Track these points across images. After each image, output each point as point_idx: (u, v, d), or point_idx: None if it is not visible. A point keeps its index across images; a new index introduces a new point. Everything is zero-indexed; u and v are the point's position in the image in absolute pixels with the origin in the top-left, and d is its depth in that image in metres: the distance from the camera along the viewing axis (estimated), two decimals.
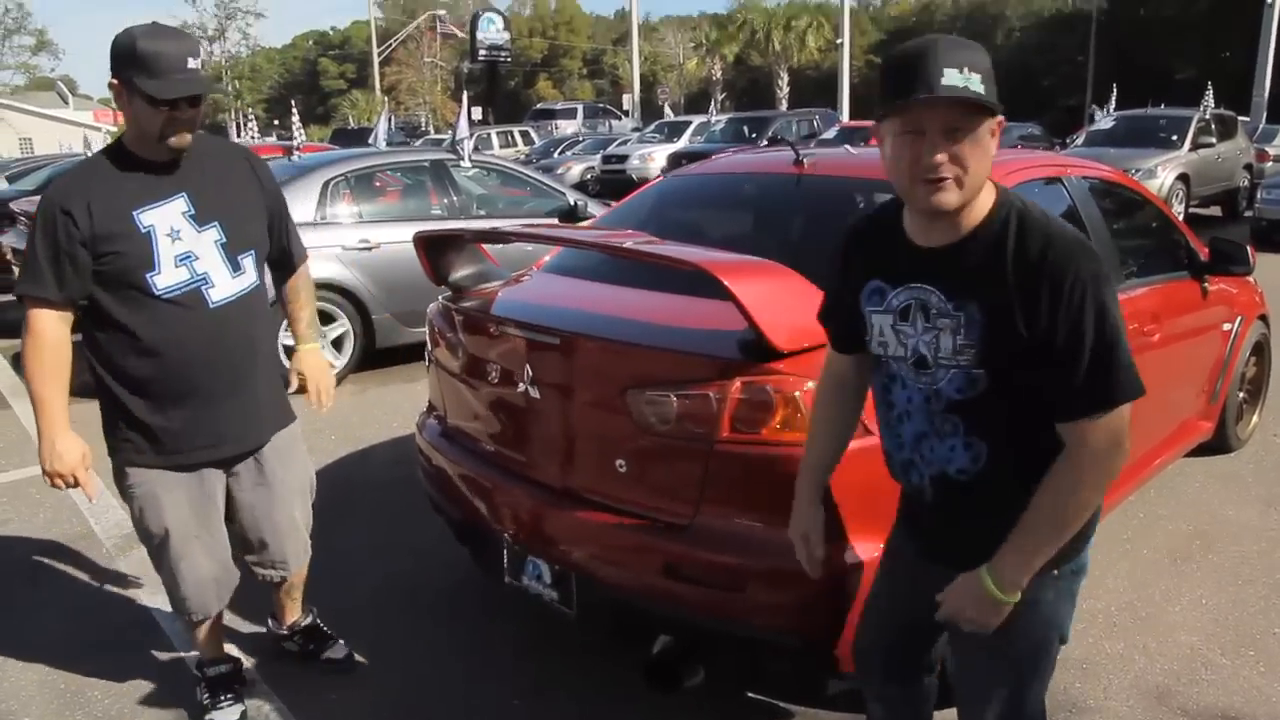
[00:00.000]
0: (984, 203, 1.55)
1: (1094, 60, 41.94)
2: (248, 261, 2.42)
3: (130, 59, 2.16)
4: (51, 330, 2.25)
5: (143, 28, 2.21)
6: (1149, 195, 4.17)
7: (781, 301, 2.23)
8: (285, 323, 2.84)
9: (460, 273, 3.14)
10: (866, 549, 2.18)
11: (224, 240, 2.36)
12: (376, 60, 51.14)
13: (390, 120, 9.34)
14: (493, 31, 33.61)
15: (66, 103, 54.10)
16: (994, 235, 1.53)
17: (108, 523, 4.06)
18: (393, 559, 3.67)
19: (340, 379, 6.08)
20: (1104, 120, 15.72)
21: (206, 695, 2.67)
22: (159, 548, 2.47)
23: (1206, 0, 39.75)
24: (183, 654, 3.01)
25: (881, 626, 1.97)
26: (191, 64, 2.20)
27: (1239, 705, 2.70)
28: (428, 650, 3.04)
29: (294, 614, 2.93)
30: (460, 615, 3.25)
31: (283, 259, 2.66)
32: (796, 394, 2.17)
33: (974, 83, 1.44)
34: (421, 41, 52.92)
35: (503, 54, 34.76)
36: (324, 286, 6.00)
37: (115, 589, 3.50)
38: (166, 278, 2.28)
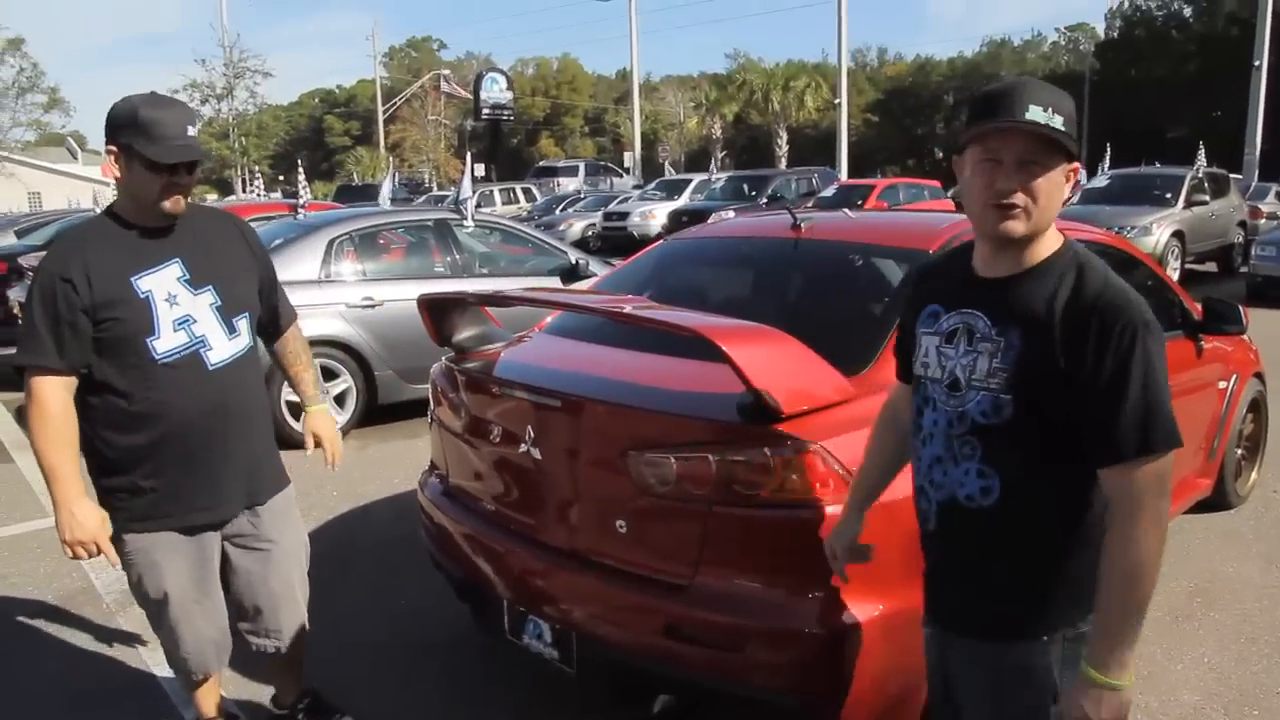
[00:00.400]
0: (1049, 244, 1.61)
1: (1087, 120, 42.66)
2: (242, 324, 2.45)
3: (130, 125, 2.22)
4: (56, 398, 2.24)
5: (142, 97, 2.27)
6: (1141, 256, 4.24)
7: (778, 365, 2.28)
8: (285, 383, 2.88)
9: (463, 334, 3.19)
10: (865, 609, 2.19)
11: (219, 303, 2.39)
12: (381, 118, 51.99)
13: (394, 178, 9.48)
14: (496, 91, 34.22)
15: (75, 158, 54.87)
16: (1054, 273, 1.59)
17: (108, 579, 4.05)
18: (393, 616, 3.66)
19: (343, 434, 6.11)
20: (1099, 178, 15.94)
21: None
22: (158, 611, 2.47)
23: (1196, 62, 40.60)
24: (182, 713, 3.00)
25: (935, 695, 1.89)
26: (190, 132, 2.28)
27: None
28: (427, 712, 3.03)
29: (293, 692, 2.87)
30: (460, 675, 3.25)
31: (272, 320, 2.68)
32: (794, 456, 2.21)
33: (1055, 122, 1.52)
34: (426, 100, 53.79)
35: (506, 113, 35.34)
36: (327, 343, 6.08)
37: (114, 646, 3.50)
38: (166, 342, 2.30)
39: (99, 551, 2.30)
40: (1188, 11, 44.43)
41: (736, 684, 2.28)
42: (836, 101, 30.96)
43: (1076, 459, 1.57)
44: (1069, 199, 14.09)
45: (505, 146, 47.62)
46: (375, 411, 6.44)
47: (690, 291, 3.50)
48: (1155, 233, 12.52)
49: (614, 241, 18.76)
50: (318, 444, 2.78)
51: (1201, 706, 2.96)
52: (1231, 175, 16.42)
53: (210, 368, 2.36)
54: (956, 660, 1.76)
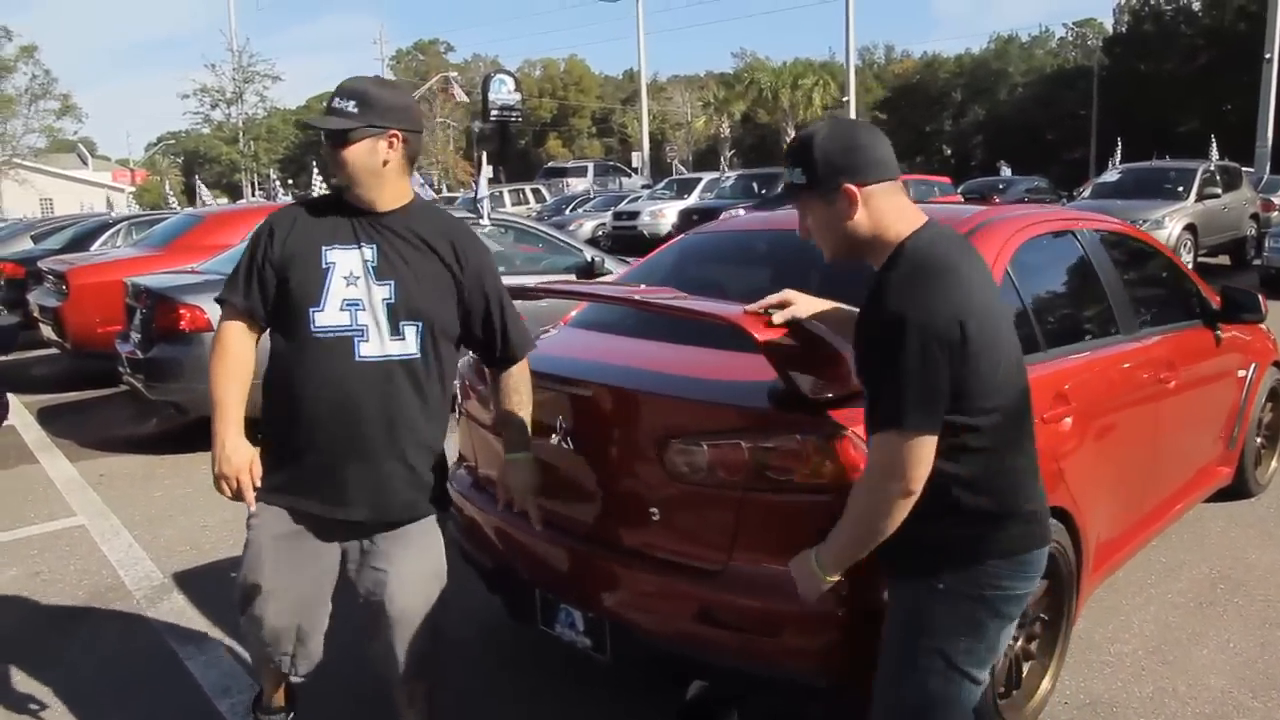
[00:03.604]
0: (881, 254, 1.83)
1: (1097, 114, 42.55)
2: (410, 331, 2.29)
3: None
4: (234, 337, 2.31)
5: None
6: (1159, 246, 4.26)
7: (808, 353, 2.30)
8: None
9: None
10: None
11: (392, 300, 2.28)
12: None
13: (421, 181, 9.47)
14: (504, 92, 34.20)
15: (86, 164, 55.18)
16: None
17: (136, 574, 4.11)
18: None
19: None
20: (1110, 173, 15.91)
21: None
22: (243, 594, 2.39)
23: (1206, 55, 40.45)
24: (217, 705, 3.04)
25: None
26: (339, 103, 2.21)
27: None
28: (458, 707, 3.06)
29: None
30: (488, 668, 3.28)
31: (492, 347, 2.45)
32: (825, 442, 2.23)
33: (796, 176, 1.84)
34: (434, 102, 53.92)
35: (514, 114, 35.31)
36: None
37: (146, 639, 3.54)
38: (328, 316, 2.25)
39: (239, 490, 2.23)
40: (1196, 6, 44.23)
41: (770, 668, 2.31)
42: (845, 99, 30.95)
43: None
44: (1080, 193, 14.07)
45: (513, 148, 47.64)
46: None
47: (712, 285, 3.52)
48: (1168, 226, 12.47)
49: (624, 241, 18.76)
50: (506, 496, 2.57)
51: (1230, 691, 2.98)
52: (1243, 168, 16.37)
53: (356, 359, 2.26)
54: None
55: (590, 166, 36.23)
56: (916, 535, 1.80)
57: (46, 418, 7.25)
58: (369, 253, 2.28)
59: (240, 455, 2.24)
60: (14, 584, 4.11)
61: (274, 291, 2.29)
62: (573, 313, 3.49)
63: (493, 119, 34.23)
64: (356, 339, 2.26)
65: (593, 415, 2.60)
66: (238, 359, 2.31)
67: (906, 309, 1.69)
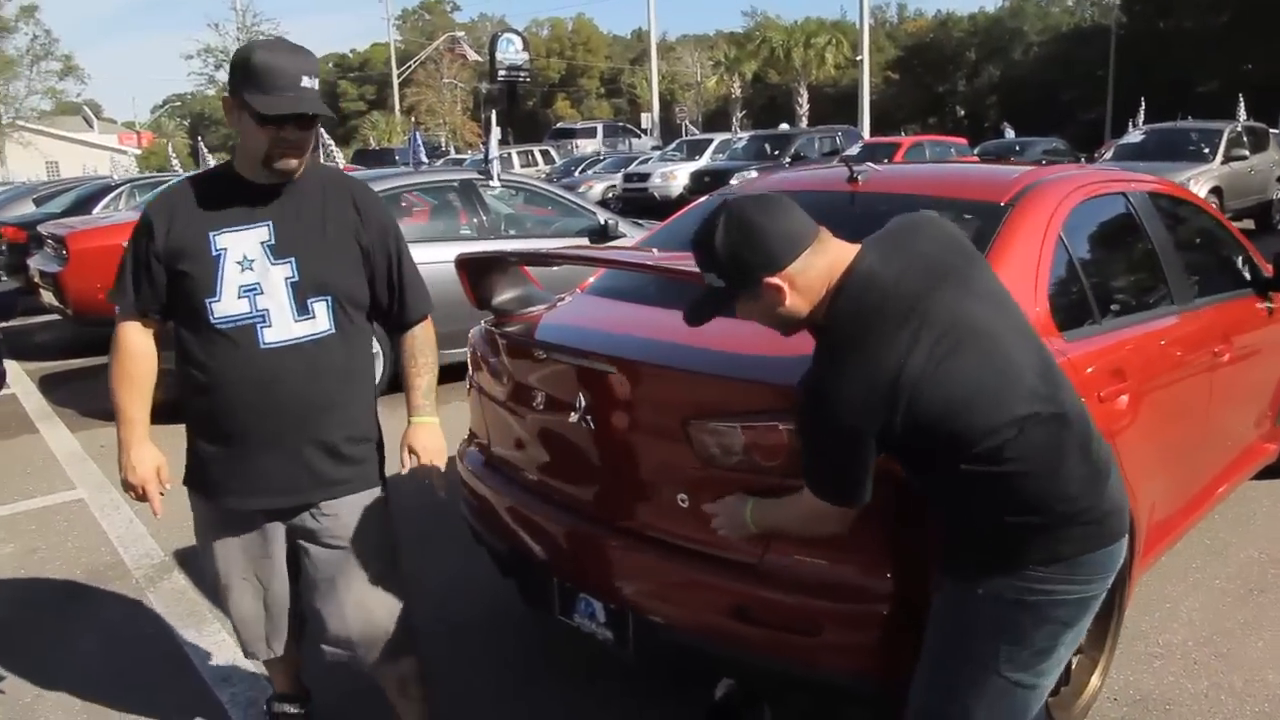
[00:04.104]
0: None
1: (1114, 74, 41.76)
2: (319, 307, 2.18)
3: (244, 72, 2.03)
4: (131, 339, 2.21)
5: (263, 41, 2.12)
6: (1210, 209, 4.02)
7: None
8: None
9: (503, 296, 3.02)
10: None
11: (295, 279, 2.15)
12: (396, 82, 51.51)
13: (416, 140, 9.22)
14: (511, 52, 33.68)
15: (92, 126, 54.82)
16: None
17: (137, 552, 3.96)
18: (426, 591, 3.53)
19: None
20: (1133, 134, 15.52)
21: None
22: (213, 580, 2.42)
23: (1227, 12, 39.55)
24: (215, 692, 2.89)
25: None
26: (306, 82, 2.05)
27: None
28: (469, 695, 2.91)
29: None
30: (502, 655, 3.12)
31: (393, 311, 2.34)
32: None
33: (712, 279, 1.77)
34: (441, 63, 53.25)
35: (521, 74, 34.81)
36: None
37: (144, 621, 3.40)
38: (225, 306, 2.13)
39: (144, 497, 2.25)
40: None
41: (807, 668, 2.14)
42: (859, 58, 30.39)
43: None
44: (1101, 154, 13.80)
45: (521, 109, 47.15)
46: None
47: None
48: (1192, 189, 12.15)
49: (635, 203, 18.47)
50: (413, 458, 2.38)
51: None
52: (1270, 129, 15.96)
53: (261, 346, 2.14)
54: None
55: (599, 127, 35.83)
56: (953, 542, 1.77)
57: (48, 385, 7.10)
58: (264, 232, 2.15)
59: (144, 465, 2.22)
60: (11, 561, 3.97)
61: (165, 285, 2.17)
62: (590, 279, 3.28)
63: (500, 79, 33.78)
64: (259, 325, 2.14)
65: (615, 392, 2.40)
66: (135, 359, 2.22)
67: (815, 384, 1.70)
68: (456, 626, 3.28)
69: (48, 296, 8.03)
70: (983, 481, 1.66)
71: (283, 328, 2.16)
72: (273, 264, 2.15)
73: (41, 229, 8.54)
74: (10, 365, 7.59)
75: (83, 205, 11.42)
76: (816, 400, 1.68)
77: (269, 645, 2.45)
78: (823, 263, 1.72)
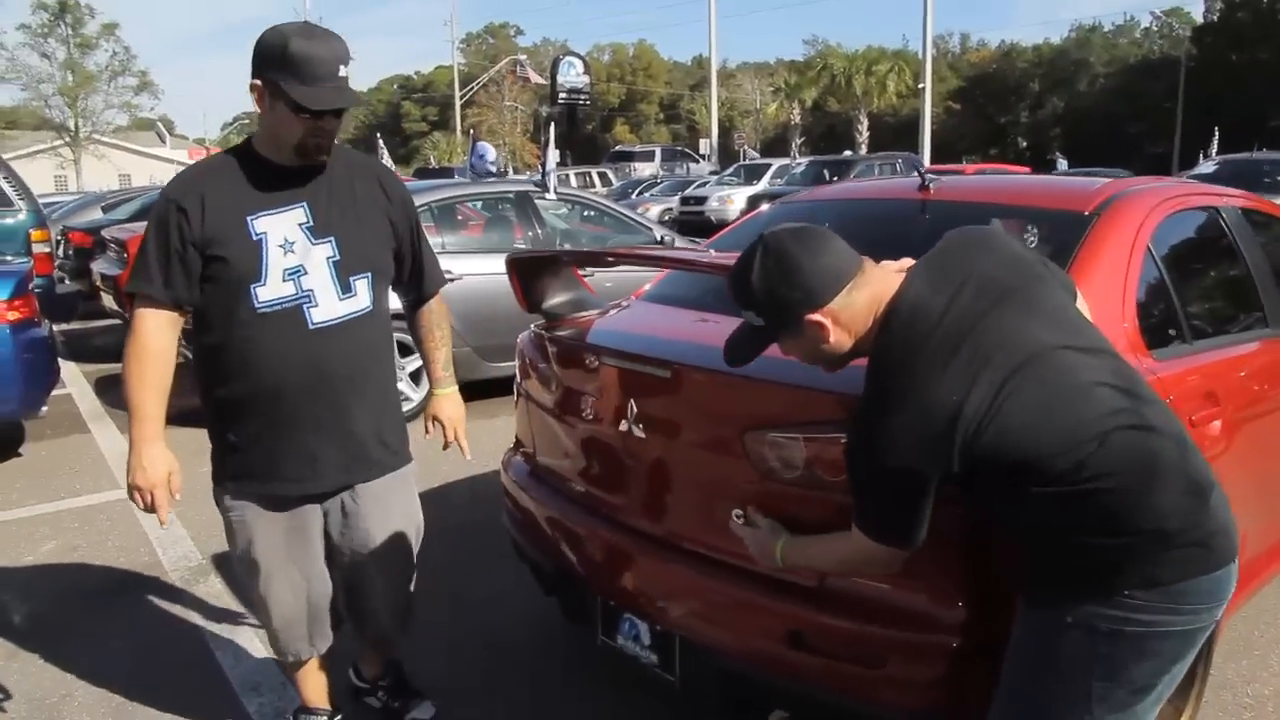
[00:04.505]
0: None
1: (1183, 107, 40.81)
2: (361, 284, 2.19)
3: (279, 60, 1.99)
4: (154, 332, 2.10)
5: (296, 26, 2.05)
6: None
7: None
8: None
9: (554, 299, 2.91)
10: None
11: (337, 258, 2.16)
12: (459, 103, 52.29)
13: (481, 148, 9.08)
14: (573, 75, 33.95)
15: (164, 141, 56.46)
16: None
17: (175, 554, 3.90)
18: (469, 609, 3.41)
19: (416, 414, 5.91)
20: (1206, 165, 15.06)
21: None
22: (249, 579, 2.32)
23: None
24: (243, 700, 2.79)
25: None
26: (342, 72, 2.04)
27: None
28: (511, 709, 2.78)
29: (378, 665, 2.68)
30: (544, 677, 2.98)
31: (414, 284, 2.41)
32: None
33: (751, 318, 1.69)
34: (502, 85, 54.00)
35: (582, 97, 35.05)
36: (402, 317, 5.87)
37: (177, 624, 3.32)
38: (270, 290, 2.10)
39: (152, 505, 2.12)
40: None
41: (869, 702, 1.97)
42: (920, 86, 30.07)
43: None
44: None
45: (581, 132, 47.46)
46: None
47: None
48: None
49: (691, 226, 18.36)
50: (437, 426, 2.54)
51: None
52: None
53: (310, 327, 2.13)
54: None
55: (658, 151, 35.87)
56: (1034, 567, 1.60)
57: (103, 387, 7.15)
58: (300, 213, 2.13)
59: (157, 467, 2.11)
60: (51, 557, 3.94)
61: (199, 274, 2.09)
62: (646, 286, 3.15)
63: (561, 101, 34.06)
64: (306, 306, 2.13)
65: (669, 399, 2.26)
66: (158, 358, 2.11)
67: (863, 421, 1.58)
68: (498, 644, 3.15)
69: (109, 300, 8.14)
70: (1062, 502, 1.49)
71: (328, 307, 2.15)
72: (314, 244, 2.14)
73: (105, 233, 8.67)
74: (68, 366, 7.70)
75: (148, 211, 11.60)
76: (866, 438, 1.57)
77: (311, 643, 2.37)
78: (866, 295, 1.62)
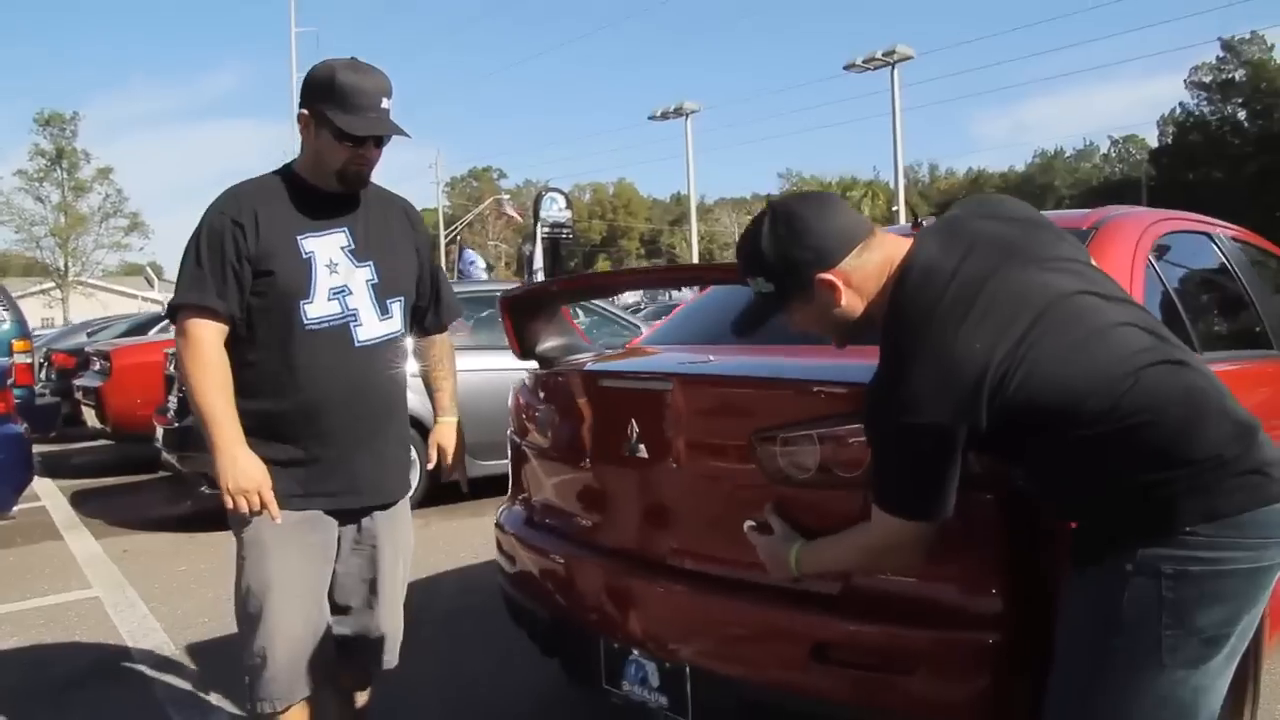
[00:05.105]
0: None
1: None
2: (396, 308, 2.26)
3: (328, 90, 2.09)
4: (214, 345, 2.09)
5: (343, 61, 2.14)
6: None
7: None
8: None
9: (548, 344, 2.84)
10: None
11: (376, 281, 2.22)
12: (444, 243, 53.40)
13: (472, 259, 9.19)
14: (555, 210, 34.62)
15: (153, 286, 57.09)
16: None
17: (147, 645, 3.68)
18: (464, 687, 3.19)
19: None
20: None
21: None
22: (254, 608, 2.15)
23: (1255, 163, 40.16)
24: None
25: None
26: (385, 104, 2.13)
27: None
28: None
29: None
30: None
31: (432, 312, 2.46)
32: None
33: (761, 285, 1.63)
34: (486, 224, 55.37)
35: (565, 231, 35.81)
36: None
37: (147, 710, 3.08)
38: (318, 308, 2.14)
39: (260, 505, 2.04)
40: (1241, 115, 44.28)
41: (903, 717, 1.80)
42: (894, 209, 30.99)
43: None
44: None
45: (564, 266, 48.44)
46: (439, 490, 6.06)
47: None
48: None
49: None
50: (439, 458, 2.53)
51: None
52: None
53: (356, 344, 2.18)
54: None
55: None
56: (1085, 519, 1.52)
57: (80, 499, 6.94)
58: (342, 237, 2.20)
59: (257, 466, 2.07)
60: (13, 652, 3.69)
61: (249, 289, 2.11)
62: (640, 338, 3.09)
63: (544, 235, 34.83)
64: (352, 324, 2.19)
65: (671, 413, 2.16)
66: (221, 368, 2.10)
67: (884, 384, 1.51)
68: (500, 716, 2.94)
69: (90, 415, 8.00)
70: (1109, 444, 1.41)
71: (371, 327, 2.21)
72: (356, 266, 2.20)
73: (88, 349, 8.60)
74: (44, 482, 7.50)
75: (135, 331, 11.57)
76: (887, 399, 1.49)
77: (310, 680, 2.20)
78: (878, 257, 1.59)
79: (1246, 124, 43.89)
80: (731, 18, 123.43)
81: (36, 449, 5.95)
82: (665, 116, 33.81)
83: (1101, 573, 1.45)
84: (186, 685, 3.28)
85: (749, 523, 1.95)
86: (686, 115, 33.16)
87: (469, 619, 3.77)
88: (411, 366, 2.44)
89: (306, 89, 2.14)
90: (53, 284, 40.79)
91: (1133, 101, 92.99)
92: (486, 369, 6.16)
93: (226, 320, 2.11)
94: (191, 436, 5.54)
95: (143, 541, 5.44)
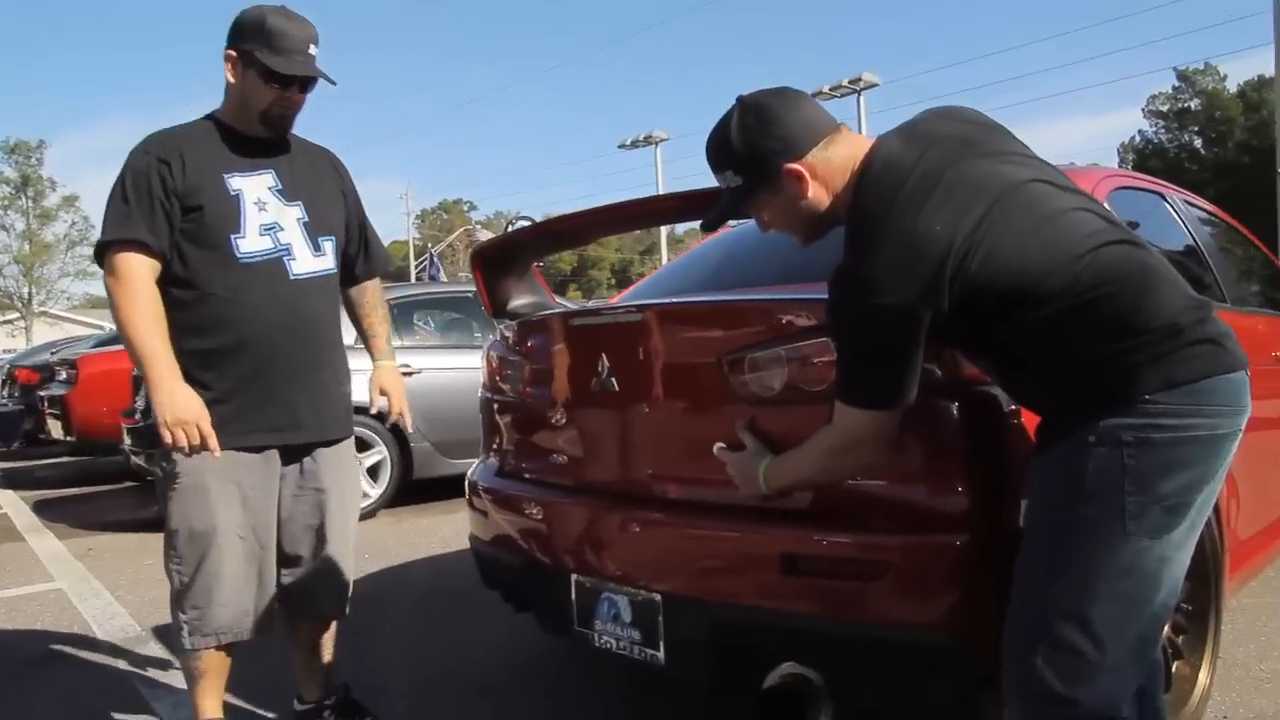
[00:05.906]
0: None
1: None
2: (328, 246, 2.31)
3: (256, 32, 2.13)
4: (145, 275, 2.08)
5: (272, 7, 2.18)
6: (1245, 232, 3.88)
7: None
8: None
9: (519, 301, 2.85)
10: None
11: (307, 220, 2.27)
12: (414, 274, 53.26)
13: (436, 263, 9.27)
14: None
15: None
16: None
17: (112, 628, 3.61)
18: (434, 661, 3.15)
19: (373, 511, 5.71)
20: None
21: None
22: (195, 550, 2.15)
23: (1212, 188, 40.85)
24: None
25: None
26: (312, 50, 2.18)
27: None
28: None
29: (321, 685, 2.46)
30: (521, 715, 2.74)
31: (363, 257, 2.49)
32: None
33: (729, 179, 1.66)
34: (456, 256, 55.31)
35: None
36: (361, 411, 5.73)
37: (113, 685, 3.02)
38: (250, 243, 2.18)
39: (200, 438, 2.02)
40: (1198, 142, 45.38)
41: (873, 624, 1.82)
42: None
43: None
44: None
45: None
46: (410, 487, 6.04)
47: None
48: None
49: None
50: (384, 398, 2.55)
51: None
52: None
53: (291, 278, 2.22)
54: None
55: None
56: (1047, 396, 1.56)
57: (42, 507, 6.81)
58: (269, 178, 2.24)
59: (195, 399, 2.07)
60: None
61: (178, 225, 2.13)
62: (619, 296, 3.12)
63: None
64: (285, 258, 2.22)
65: (642, 343, 2.19)
66: (154, 303, 2.10)
67: (849, 270, 1.53)
68: (475, 686, 2.91)
69: (55, 427, 7.87)
70: (1066, 317, 1.45)
71: (305, 261, 2.24)
72: (285, 205, 2.24)
73: (51, 360, 8.49)
74: (5, 494, 7.37)
75: (104, 345, 11.38)
76: (852, 284, 1.52)
77: (256, 621, 2.22)
78: (844, 152, 1.62)
79: (1203, 151, 44.96)
80: (700, 47, 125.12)
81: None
82: (635, 145, 34.06)
83: (1064, 449, 1.49)
84: (155, 664, 3.21)
85: (719, 444, 1.98)
86: (656, 144, 33.44)
87: (441, 600, 3.74)
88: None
89: (235, 30, 2.17)
90: (16, 314, 40.20)
91: (1094, 133, 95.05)
92: (454, 367, 6.19)
93: (158, 256, 2.11)
94: (152, 432, 5.48)
95: (107, 541, 5.35)
